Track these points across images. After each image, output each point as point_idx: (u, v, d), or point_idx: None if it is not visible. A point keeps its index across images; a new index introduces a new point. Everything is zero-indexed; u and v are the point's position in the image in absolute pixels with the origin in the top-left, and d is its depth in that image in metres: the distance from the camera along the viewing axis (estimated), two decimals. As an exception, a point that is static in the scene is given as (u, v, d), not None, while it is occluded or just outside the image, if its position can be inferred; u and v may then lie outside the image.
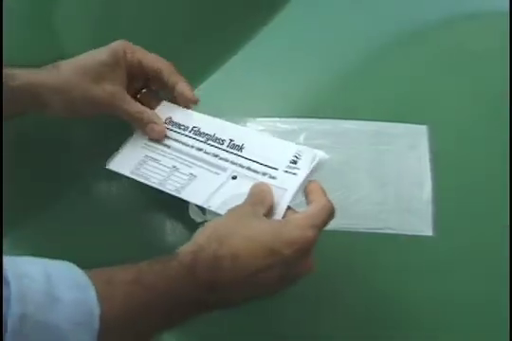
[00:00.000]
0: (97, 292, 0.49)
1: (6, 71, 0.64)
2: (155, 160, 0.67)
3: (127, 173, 0.67)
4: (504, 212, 0.72)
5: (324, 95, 0.76)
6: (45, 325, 0.46)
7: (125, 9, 0.75)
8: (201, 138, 0.66)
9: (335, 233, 0.66)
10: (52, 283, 0.48)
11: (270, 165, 0.63)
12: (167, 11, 0.75)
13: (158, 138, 0.67)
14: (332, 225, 0.63)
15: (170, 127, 0.67)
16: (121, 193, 0.73)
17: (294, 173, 0.61)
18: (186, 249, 0.55)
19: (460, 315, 0.69)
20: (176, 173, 0.65)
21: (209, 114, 0.69)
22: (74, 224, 0.72)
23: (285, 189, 0.60)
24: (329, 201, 0.57)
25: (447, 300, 0.70)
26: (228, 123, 0.67)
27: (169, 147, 0.67)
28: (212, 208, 0.62)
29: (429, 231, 0.68)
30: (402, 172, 0.71)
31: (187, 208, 0.68)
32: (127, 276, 0.53)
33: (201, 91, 0.69)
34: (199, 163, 0.65)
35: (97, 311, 0.48)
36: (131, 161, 0.67)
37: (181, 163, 0.66)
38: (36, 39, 0.73)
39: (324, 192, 0.58)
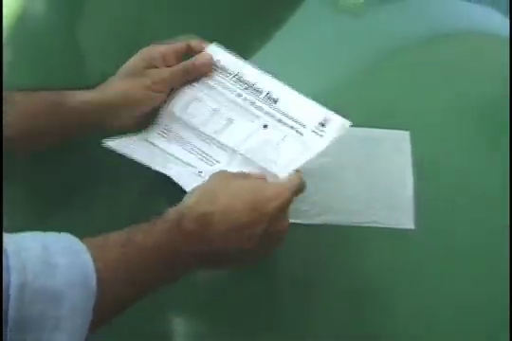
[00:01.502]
0: (92, 255, 0.51)
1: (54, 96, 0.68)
2: (199, 100, 0.69)
3: (177, 113, 0.69)
4: (481, 206, 0.74)
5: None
6: (43, 291, 0.48)
7: (149, 27, 0.78)
8: (241, 85, 0.69)
9: (327, 227, 0.70)
10: (49, 252, 0.50)
11: (300, 121, 0.66)
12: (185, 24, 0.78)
13: (207, 69, 0.69)
14: (325, 220, 0.69)
15: (216, 69, 0.70)
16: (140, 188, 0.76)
17: (321, 135, 0.64)
18: (172, 209, 0.58)
19: (444, 315, 0.70)
20: (216, 116, 0.68)
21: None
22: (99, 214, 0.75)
23: (309, 147, 0.64)
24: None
25: (432, 299, 0.71)
26: (268, 76, 0.69)
27: (213, 88, 0.70)
28: (242, 152, 0.65)
29: (411, 225, 0.71)
30: (387, 173, 0.74)
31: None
32: (118, 238, 0.55)
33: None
34: (237, 108, 0.68)
35: (92, 272, 0.50)
36: (179, 101, 0.70)
37: (223, 106, 0.69)
38: (59, 61, 0.76)
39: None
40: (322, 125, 0.65)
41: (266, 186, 0.60)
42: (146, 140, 0.70)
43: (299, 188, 0.61)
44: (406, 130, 0.75)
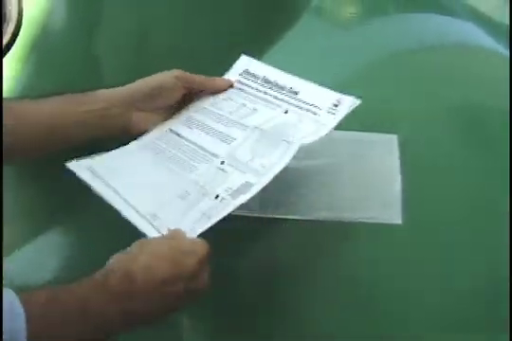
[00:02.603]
0: (27, 317, 0.50)
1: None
2: (230, 99, 0.77)
3: (207, 106, 0.76)
4: (465, 203, 0.77)
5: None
6: None
7: (156, 38, 0.81)
8: (267, 85, 0.76)
9: (323, 223, 0.73)
10: None
11: (316, 105, 0.72)
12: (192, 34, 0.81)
13: (225, 86, 0.76)
14: (323, 216, 0.72)
15: (245, 76, 0.78)
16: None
17: (334, 113, 0.70)
18: (99, 271, 0.57)
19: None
20: (244, 108, 0.75)
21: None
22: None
23: (324, 124, 0.69)
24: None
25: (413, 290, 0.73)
26: (290, 74, 0.76)
27: (242, 90, 0.77)
28: (262, 128, 0.71)
29: (398, 220, 0.74)
30: (378, 172, 0.77)
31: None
32: (44, 294, 0.54)
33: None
34: (262, 101, 0.75)
35: (23, 331, 0.50)
36: (210, 99, 0.77)
37: (249, 101, 0.76)
38: (80, 68, 0.80)
39: None
40: (336, 106, 0.70)
41: (183, 242, 0.60)
42: (170, 130, 0.75)
43: (207, 250, 0.60)
44: (394, 133, 0.78)
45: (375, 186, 0.76)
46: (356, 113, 0.75)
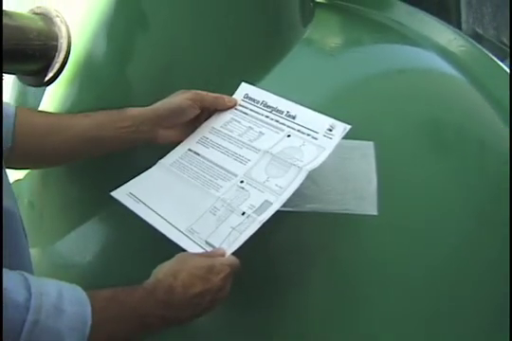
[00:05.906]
0: (92, 306, 0.61)
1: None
2: (237, 121, 0.84)
3: (218, 127, 0.83)
4: (428, 198, 0.86)
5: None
6: (50, 330, 0.57)
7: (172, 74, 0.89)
8: (268, 109, 0.82)
9: (309, 214, 0.80)
10: (62, 299, 0.59)
11: (313, 129, 0.79)
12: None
13: (232, 104, 0.83)
14: (307, 208, 0.79)
15: (247, 100, 0.85)
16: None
17: (330, 138, 0.77)
18: (148, 281, 0.69)
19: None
20: (251, 131, 0.83)
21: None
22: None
23: (324, 148, 0.77)
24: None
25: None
26: (285, 100, 0.82)
27: (247, 114, 0.84)
28: (272, 152, 0.78)
29: (374, 211, 0.82)
30: (357, 172, 0.84)
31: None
32: (106, 293, 0.64)
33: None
34: (266, 125, 0.82)
35: (90, 321, 0.60)
36: (219, 120, 0.84)
37: (254, 124, 0.83)
38: (115, 88, 0.89)
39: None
40: (330, 130, 0.78)
41: (215, 263, 0.70)
42: (189, 150, 0.83)
43: (236, 265, 0.71)
44: (371, 140, 0.85)
45: (356, 182, 0.84)
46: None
